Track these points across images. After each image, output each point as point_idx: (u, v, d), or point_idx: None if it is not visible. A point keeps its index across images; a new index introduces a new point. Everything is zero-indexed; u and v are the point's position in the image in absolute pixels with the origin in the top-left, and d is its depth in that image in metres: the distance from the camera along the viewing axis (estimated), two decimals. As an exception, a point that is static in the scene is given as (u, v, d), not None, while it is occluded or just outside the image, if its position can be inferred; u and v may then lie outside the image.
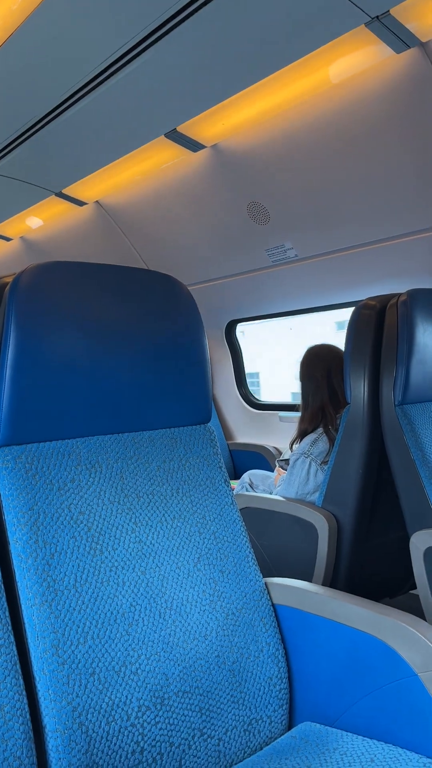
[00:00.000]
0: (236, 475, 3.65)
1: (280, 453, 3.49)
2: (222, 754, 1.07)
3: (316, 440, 2.17)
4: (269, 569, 2.12)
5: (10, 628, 0.94)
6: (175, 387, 1.26)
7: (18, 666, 0.92)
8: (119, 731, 0.96)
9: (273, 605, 1.23)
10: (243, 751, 1.10)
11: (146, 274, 1.25)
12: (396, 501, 1.89)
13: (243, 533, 1.27)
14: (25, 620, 0.96)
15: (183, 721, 1.04)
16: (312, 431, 2.21)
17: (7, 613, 0.95)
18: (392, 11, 1.65)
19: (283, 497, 2.18)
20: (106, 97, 2.12)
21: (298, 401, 2.34)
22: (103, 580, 1.04)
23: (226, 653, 1.13)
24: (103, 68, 1.95)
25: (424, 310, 1.87)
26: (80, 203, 3.16)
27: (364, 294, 2.70)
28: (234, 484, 2.97)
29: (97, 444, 1.15)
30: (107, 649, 1.00)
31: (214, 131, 2.38)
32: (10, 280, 1.07)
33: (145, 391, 1.21)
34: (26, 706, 0.90)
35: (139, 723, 0.99)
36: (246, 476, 2.86)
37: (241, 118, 2.27)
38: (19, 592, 0.98)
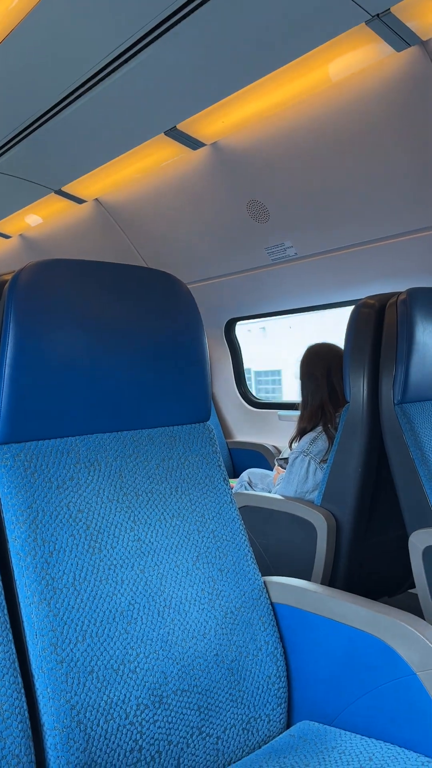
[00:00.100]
0: (235, 473, 3.65)
1: (279, 452, 3.49)
2: (220, 752, 1.07)
3: (316, 439, 2.17)
4: (268, 568, 2.12)
5: (8, 626, 0.94)
6: (175, 385, 1.26)
7: (16, 664, 0.92)
8: (118, 729, 0.96)
9: (272, 604, 1.23)
10: (241, 750, 1.10)
11: (146, 272, 1.25)
12: (395, 500, 1.89)
13: (242, 532, 1.27)
14: (24, 618, 0.96)
15: (181, 720, 1.04)
16: (311, 430, 2.21)
17: (5, 612, 0.95)
18: (393, 9, 1.65)
19: (282, 496, 2.18)
20: (105, 94, 2.11)
21: None
22: (102, 579, 1.04)
23: (225, 652, 1.13)
24: (102, 66, 1.95)
25: (424, 309, 1.87)
26: (79, 201, 3.15)
27: (363, 292, 2.70)
28: (233, 482, 2.97)
29: (96, 442, 1.14)
30: (106, 647, 1.00)
31: (214, 129, 2.38)
32: (9, 277, 1.07)
33: (144, 389, 1.21)
34: (25, 704, 0.90)
35: (137, 721, 0.99)
36: (245, 475, 2.86)
37: (241, 116, 2.27)
38: (18, 590, 0.98)
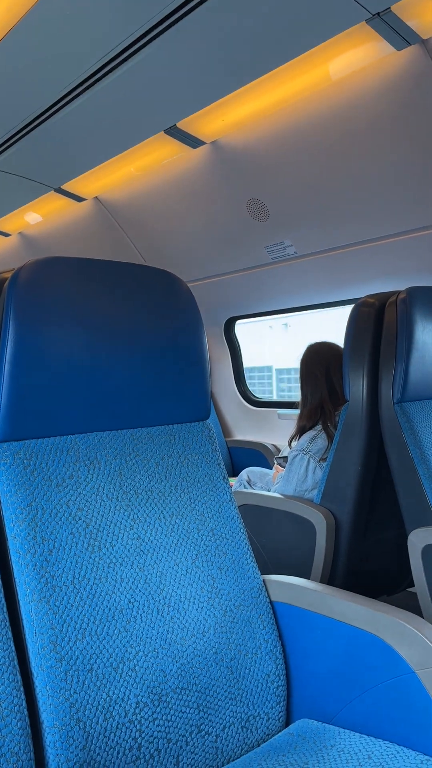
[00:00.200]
0: (234, 472, 3.65)
1: (279, 450, 3.49)
2: (219, 750, 1.07)
3: (315, 437, 2.17)
4: (267, 566, 2.12)
5: (8, 624, 0.94)
6: (174, 384, 1.26)
7: (16, 662, 0.92)
8: (117, 727, 0.96)
9: (271, 602, 1.23)
10: (240, 748, 1.10)
11: (146, 270, 1.25)
12: (394, 498, 1.89)
13: (241, 530, 1.27)
14: (23, 616, 0.96)
15: (180, 718, 1.04)
16: (311, 428, 2.21)
17: (5, 609, 0.95)
18: (393, 8, 1.65)
19: (282, 494, 2.18)
20: (105, 92, 2.11)
21: None
22: (102, 577, 1.04)
23: (224, 650, 1.13)
24: (102, 64, 1.94)
25: (424, 308, 1.87)
26: (79, 199, 3.15)
27: (363, 291, 2.70)
28: (232, 481, 2.97)
29: (95, 440, 1.14)
30: (105, 645, 1.00)
31: (214, 127, 2.38)
32: (9, 275, 1.07)
33: (143, 387, 1.21)
34: (24, 702, 0.90)
35: (136, 719, 0.99)
36: (244, 473, 2.86)
37: (241, 114, 2.27)
38: (17, 588, 0.98)
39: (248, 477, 2.83)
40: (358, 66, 1.94)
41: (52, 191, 3.03)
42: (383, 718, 1.05)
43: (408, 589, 2.43)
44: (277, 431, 3.64)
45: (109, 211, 3.21)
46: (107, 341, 1.15)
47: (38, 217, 3.46)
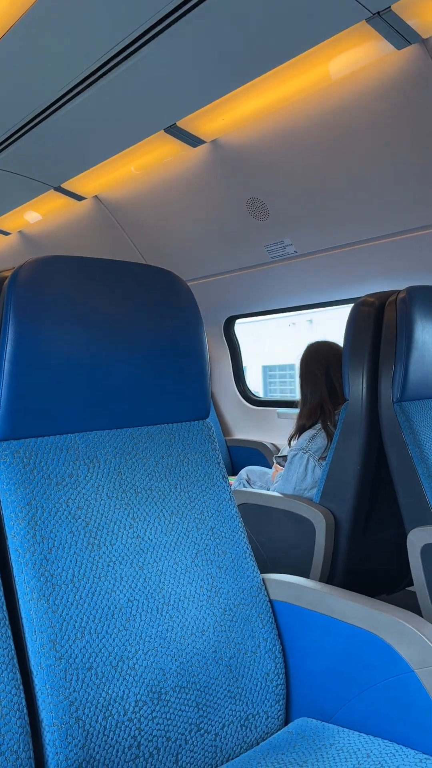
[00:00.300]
0: (234, 471, 3.65)
1: (278, 449, 3.49)
2: (218, 749, 1.07)
3: (315, 436, 2.17)
4: (266, 565, 2.12)
5: (7, 622, 0.94)
6: (174, 382, 1.26)
7: (15, 660, 0.92)
8: (116, 726, 0.96)
9: (270, 601, 1.23)
10: (239, 746, 1.10)
11: (146, 269, 1.25)
12: (393, 498, 1.89)
13: (241, 529, 1.27)
14: (23, 615, 0.96)
15: (180, 716, 1.04)
16: (310, 427, 2.21)
17: (4, 608, 0.95)
18: (393, 7, 1.65)
19: (281, 493, 2.18)
20: (105, 91, 2.11)
21: None
22: (101, 575, 1.04)
23: (224, 649, 1.13)
24: (102, 62, 1.94)
25: (423, 308, 1.87)
26: (79, 198, 3.15)
27: (363, 290, 2.70)
28: (231, 480, 2.97)
29: (95, 439, 1.14)
30: (104, 644, 1.00)
31: (214, 126, 2.38)
32: (9, 274, 1.07)
33: (143, 386, 1.21)
34: (23, 700, 0.90)
35: (136, 718, 0.99)
36: (243, 472, 2.86)
37: (241, 113, 2.26)
38: (17, 586, 0.98)
39: (247, 476, 2.83)
40: (358, 65, 1.93)
41: (52, 190, 3.03)
42: (382, 716, 1.05)
43: (407, 588, 2.43)
44: (276, 430, 3.64)
45: (108, 209, 3.21)
46: (107, 340, 1.15)
47: (38, 215, 3.46)
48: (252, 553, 1.26)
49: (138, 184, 2.93)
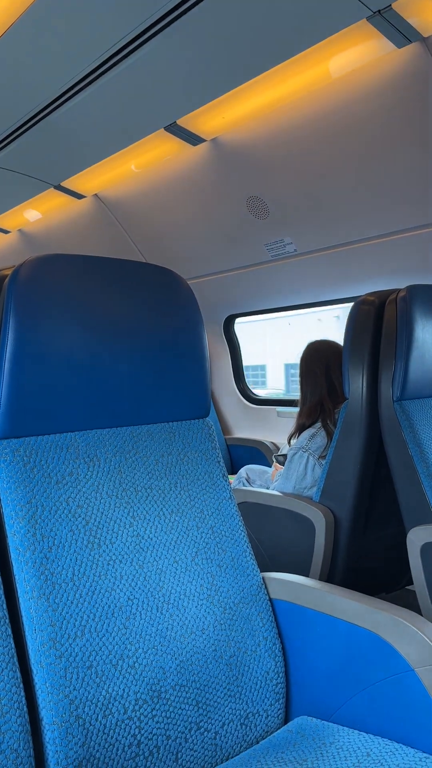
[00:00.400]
0: (233, 470, 3.65)
1: (278, 448, 3.49)
2: (218, 747, 1.07)
3: (315, 435, 2.17)
4: (266, 564, 2.13)
5: (7, 620, 0.94)
6: (174, 381, 1.26)
7: (15, 659, 0.92)
8: (116, 724, 0.96)
9: (270, 600, 1.24)
10: (239, 745, 1.10)
11: (146, 267, 1.25)
12: (393, 496, 1.89)
13: (241, 528, 1.27)
14: (23, 613, 0.96)
15: (180, 715, 1.04)
16: (310, 426, 2.21)
17: (4, 606, 0.95)
18: (394, 6, 1.65)
19: (281, 492, 2.18)
20: (105, 90, 2.11)
21: None
22: (101, 574, 1.04)
23: (223, 647, 1.13)
24: (102, 61, 1.94)
25: (424, 306, 1.87)
26: (79, 196, 3.15)
27: (363, 289, 2.70)
28: (231, 479, 2.97)
29: (95, 438, 1.14)
30: (104, 642, 1.00)
31: (214, 125, 2.37)
32: (9, 272, 1.07)
33: (143, 385, 1.21)
34: (23, 698, 0.91)
35: (136, 716, 0.99)
36: (243, 471, 2.86)
37: (241, 111, 2.26)
38: (17, 585, 0.98)
39: (247, 475, 2.83)
40: (359, 64, 1.93)
41: (52, 188, 3.02)
42: (382, 715, 1.05)
43: (407, 587, 2.43)
44: (276, 429, 3.64)
45: (108, 208, 3.20)
46: (107, 339, 1.15)
47: (38, 214, 3.46)
48: (252, 552, 1.26)
49: (138, 183, 2.92)
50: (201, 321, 1.30)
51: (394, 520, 1.99)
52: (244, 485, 2.78)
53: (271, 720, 1.16)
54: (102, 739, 0.94)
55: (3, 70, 2.04)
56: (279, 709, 1.17)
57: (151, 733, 1.00)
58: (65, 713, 0.92)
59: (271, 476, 2.71)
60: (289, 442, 2.37)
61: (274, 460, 2.76)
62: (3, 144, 2.55)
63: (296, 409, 2.33)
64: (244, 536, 1.26)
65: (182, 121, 2.34)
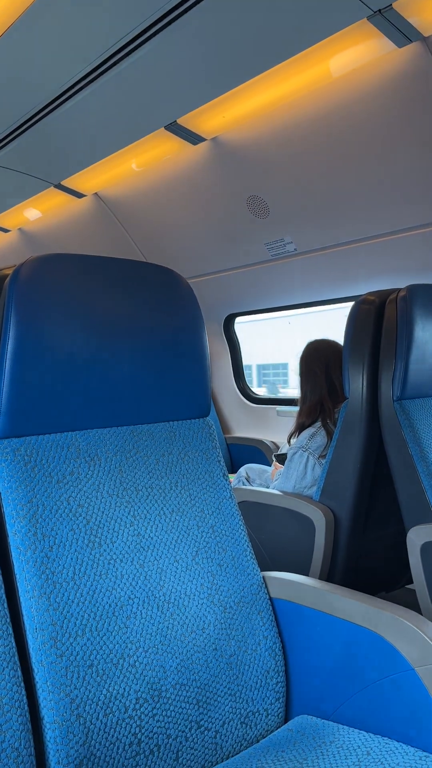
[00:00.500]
0: (233, 469, 3.65)
1: (278, 447, 3.49)
2: (219, 746, 1.07)
3: (315, 434, 2.17)
4: (267, 563, 2.13)
5: (8, 620, 0.94)
6: (175, 380, 1.26)
7: (16, 658, 0.92)
8: (117, 723, 0.97)
9: (270, 599, 1.24)
10: (239, 744, 1.10)
11: (147, 267, 1.25)
12: (393, 496, 1.89)
13: (241, 527, 1.27)
14: (24, 612, 0.96)
15: (180, 714, 1.04)
16: (310, 425, 2.21)
17: (5, 605, 0.95)
18: (394, 5, 1.65)
19: (281, 491, 2.18)
20: (106, 88, 2.11)
21: None
22: (102, 573, 1.04)
23: (224, 646, 1.13)
24: (103, 60, 1.94)
25: (424, 306, 1.87)
26: (79, 195, 3.15)
27: (363, 289, 2.70)
28: (231, 478, 2.97)
29: (96, 437, 1.15)
30: (105, 641, 1.00)
31: (215, 124, 2.37)
32: (9, 272, 1.07)
33: (144, 384, 1.21)
34: (24, 697, 0.91)
35: (136, 715, 0.99)
36: (243, 470, 2.86)
37: (241, 111, 2.26)
38: (18, 584, 0.98)
39: (247, 474, 2.83)
40: (359, 63, 1.93)
41: (52, 187, 3.02)
42: (382, 714, 1.05)
43: (407, 586, 2.44)
44: (275, 428, 3.64)
45: (109, 207, 3.20)
46: (108, 338, 1.15)
47: (38, 213, 3.45)
48: (252, 551, 1.26)
49: (138, 182, 2.92)
50: (201, 320, 1.30)
51: (394, 520, 1.99)
52: (243, 484, 2.78)
53: (272, 719, 1.16)
54: (103, 738, 0.95)
55: (3, 69, 2.04)
56: (279, 708, 1.17)
57: (151, 731, 1.00)
58: (66, 712, 0.93)
59: (271, 475, 2.71)
60: (288, 442, 2.37)
61: (274, 459, 2.76)
62: (3, 143, 2.55)
63: (296, 409, 2.33)
64: (244, 535, 1.26)
65: (183, 120, 2.34)
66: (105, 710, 0.96)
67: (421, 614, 1.44)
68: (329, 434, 2.14)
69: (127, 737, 0.97)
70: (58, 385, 1.09)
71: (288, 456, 2.24)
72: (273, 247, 2.87)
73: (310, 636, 1.17)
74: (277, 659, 1.19)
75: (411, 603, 1.64)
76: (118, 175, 2.89)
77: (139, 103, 2.22)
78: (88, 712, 0.94)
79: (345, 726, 1.09)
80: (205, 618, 1.13)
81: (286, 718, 1.20)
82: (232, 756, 1.09)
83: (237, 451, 3.75)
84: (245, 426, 3.86)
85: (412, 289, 1.88)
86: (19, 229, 3.80)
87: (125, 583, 1.06)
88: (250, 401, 3.83)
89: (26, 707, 0.90)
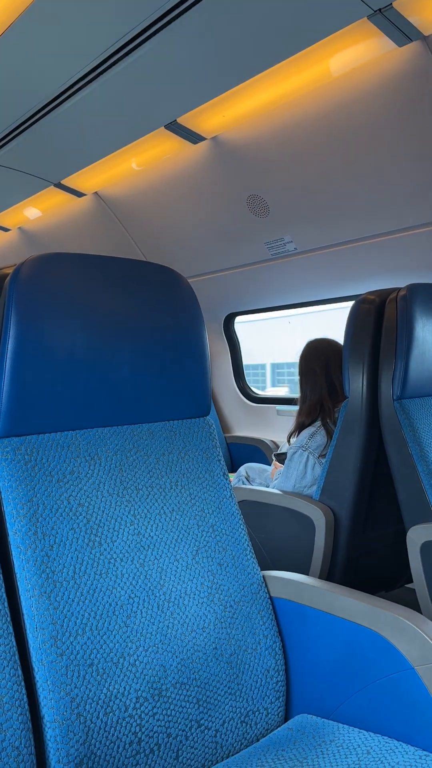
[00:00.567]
0: (233, 468, 3.65)
1: (278, 446, 3.49)
2: (219, 745, 1.08)
3: (314, 433, 2.17)
4: (266, 562, 2.13)
5: (9, 619, 0.94)
6: (175, 380, 1.26)
7: (17, 657, 0.92)
8: (117, 722, 0.97)
9: (271, 598, 1.24)
10: (240, 743, 1.10)
11: (147, 266, 1.25)
12: (393, 495, 1.89)
13: (241, 526, 1.27)
14: (24, 611, 0.97)
15: (180, 713, 1.04)
16: (310, 424, 2.21)
17: (6, 604, 0.95)
18: (395, 4, 1.65)
19: (281, 490, 2.18)
20: (105, 88, 2.11)
21: None
22: (102, 572, 1.04)
23: (224, 645, 1.13)
24: (103, 59, 1.94)
25: (424, 305, 1.87)
26: (79, 194, 3.14)
27: (363, 288, 2.70)
28: (230, 477, 2.97)
29: (96, 436, 1.15)
30: (105, 640, 1.00)
31: (215, 123, 2.37)
32: (10, 271, 1.07)
33: (144, 383, 1.21)
34: (25, 696, 0.91)
35: (136, 714, 0.99)
36: (242, 469, 2.86)
37: (241, 110, 2.26)
38: (18, 583, 0.98)
39: (246, 473, 2.83)
40: (359, 62, 1.93)
41: (52, 186, 3.02)
42: (382, 713, 1.05)
43: (406, 585, 2.44)
44: (275, 427, 3.64)
45: (108, 206, 3.20)
46: (108, 337, 1.15)
47: (38, 212, 3.45)
48: (252, 550, 1.26)
49: (138, 181, 2.92)
50: (202, 320, 1.30)
51: (393, 519, 1.99)
52: (243, 483, 2.78)
53: (272, 718, 1.16)
54: (103, 737, 0.95)
55: (3, 68, 2.04)
56: (279, 707, 1.17)
57: (151, 730, 1.00)
58: (66, 711, 0.93)
59: (271, 474, 2.71)
60: (288, 441, 2.37)
61: (274, 458, 2.76)
62: (3, 142, 2.54)
63: (296, 408, 2.33)
64: (244, 535, 1.27)
65: (183, 120, 2.34)
66: (105, 709, 0.96)
67: (421, 613, 1.44)
68: (329, 434, 2.15)
69: (127, 736, 0.97)
70: (59, 384, 1.09)
71: (288, 455, 2.24)
72: (273, 247, 2.87)
73: (310, 635, 1.17)
74: (277, 658, 1.19)
75: (411, 602, 1.65)
76: (118, 175, 2.89)
77: (139, 103, 2.22)
78: (89, 711, 0.95)
79: (345, 725, 1.09)
80: (206, 617, 1.13)
81: (286, 717, 1.20)
82: (232, 755, 1.09)
83: (237, 450, 3.75)
84: (245, 425, 3.86)
85: (412, 289, 1.88)
86: (19, 228, 3.80)
87: (125, 582, 1.06)
88: (250, 400, 3.83)
89: (26, 706, 0.90)
